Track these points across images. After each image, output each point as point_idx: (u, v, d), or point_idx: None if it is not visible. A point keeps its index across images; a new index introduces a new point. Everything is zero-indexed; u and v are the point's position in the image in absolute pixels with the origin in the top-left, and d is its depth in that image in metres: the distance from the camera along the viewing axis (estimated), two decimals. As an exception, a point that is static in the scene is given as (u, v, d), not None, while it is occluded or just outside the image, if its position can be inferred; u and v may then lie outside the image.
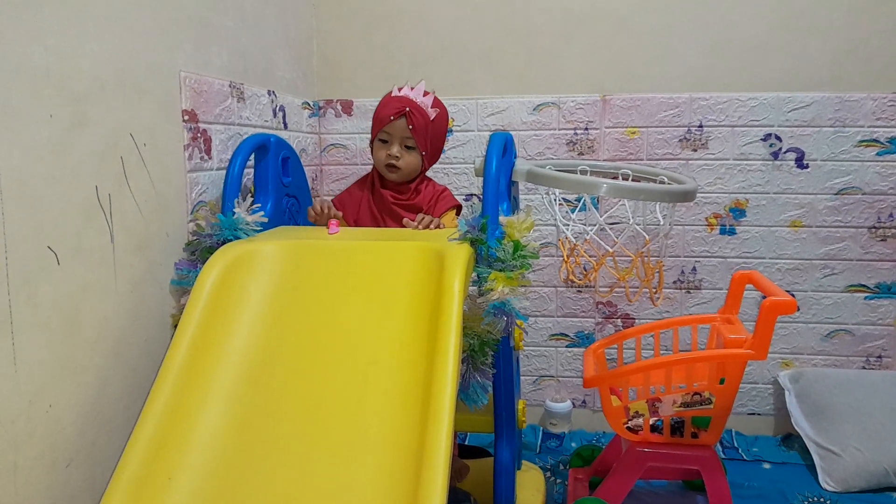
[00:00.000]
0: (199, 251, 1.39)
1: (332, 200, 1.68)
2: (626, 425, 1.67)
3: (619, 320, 2.23)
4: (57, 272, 1.09)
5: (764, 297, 1.50)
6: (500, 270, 1.28)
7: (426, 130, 1.62)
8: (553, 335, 2.27)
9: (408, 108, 1.59)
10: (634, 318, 2.22)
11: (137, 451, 1.07)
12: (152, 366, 1.30)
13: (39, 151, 1.05)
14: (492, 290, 1.28)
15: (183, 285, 1.38)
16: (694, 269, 2.19)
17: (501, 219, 1.34)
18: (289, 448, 1.13)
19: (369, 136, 2.19)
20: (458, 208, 1.70)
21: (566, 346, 2.27)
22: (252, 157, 1.54)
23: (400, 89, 1.64)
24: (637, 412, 1.67)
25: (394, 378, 1.17)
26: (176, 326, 1.27)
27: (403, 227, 1.53)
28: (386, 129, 1.61)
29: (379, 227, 1.66)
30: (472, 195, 2.23)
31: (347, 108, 2.25)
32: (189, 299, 1.24)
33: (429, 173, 1.73)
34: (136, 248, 1.29)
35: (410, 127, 1.59)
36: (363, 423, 1.13)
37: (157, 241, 1.35)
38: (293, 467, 1.11)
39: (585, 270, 1.58)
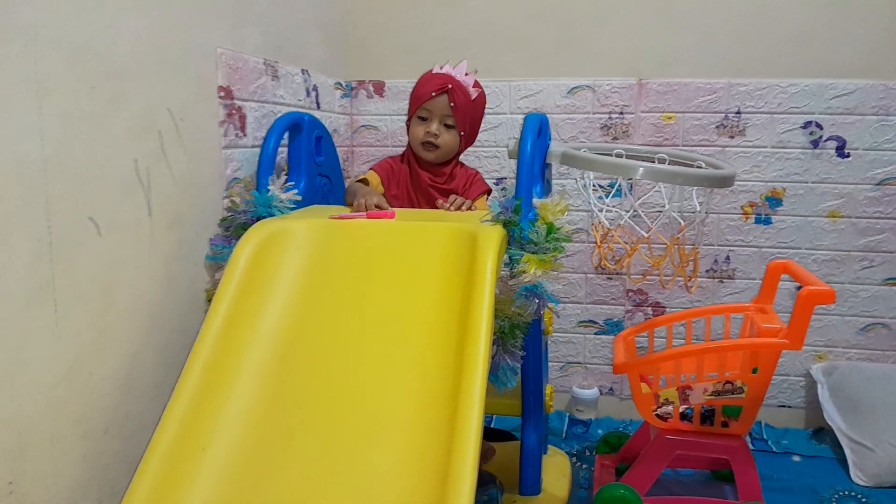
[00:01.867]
0: (234, 227, 1.40)
1: (374, 167, 1.66)
2: (655, 412, 1.65)
3: (649, 308, 2.21)
4: (96, 244, 1.11)
5: (799, 288, 1.47)
6: (533, 253, 1.27)
7: (467, 110, 1.60)
8: (582, 322, 2.26)
9: (450, 86, 1.57)
10: (665, 307, 2.19)
11: (172, 422, 1.09)
12: (185, 339, 1.32)
13: (81, 124, 1.06)
14: (524, 272, 1.27)
15: (217, 260, 1.39)
16: (728, 258, 2.15)
17: (535, 201, 1.32)
18: (317, 425, 1.13)
19: (401, 117, 2.20)
20: (489, 193, 1.69)
21: (595, 334, 2.26)
22: (286, 135, 1.55)
23: (441, 67, 1.62)
24: (667, 399, 1.65)
25: (424, 358, 1.17)
26: (209, 301, 1.29)
27: (436, 208, 1.53)
28: (426, 105, 1.59)
29: (413, 205, 1.65)
30: (503, 179, 2.22)
31: (379, 89, 2.25)
32: (224, 274, 1.25)
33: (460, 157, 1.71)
34: (172, 222, 1.30)
35: (452, 104, 1.57)
36: (393, 401, 1.14)
37: (192, 216, 1.37)
38: (322, 444, 1.11)
39: (618, 256, 1.56)
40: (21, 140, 0.96)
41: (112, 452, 1.17)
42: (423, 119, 1.61)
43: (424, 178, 1.64)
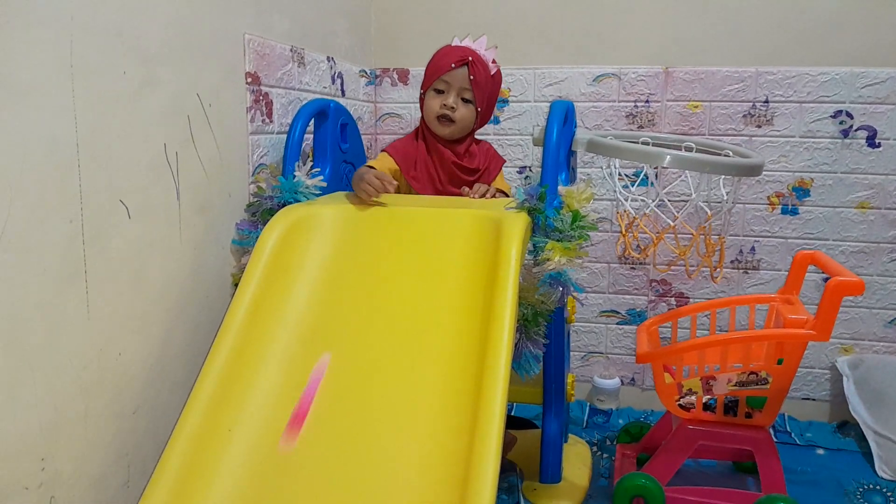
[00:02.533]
0: (260, 212, 1.41)
1: (386, 149, 1.60)
2: (677, 402, 1.65)
3: (672, 299, 2.19)
4: (127, 226, 1.12)
5: (826, 280, 1.45)
6: (558, 241, 1.27)
7: (486, 85, 1.55)
8: (604, 312, 2.25)
9: (471, 58, 1.53)
10: (689, 297, 2.18)
11: (199, 404, 1.11)
12: (212, 323, 1.34)
13: (113, 107, 1.08)
14: (548, 259, 1.27)
15: (244, 245, 1.40)
16: (753, 248, 2.13)
17: (560, 188, 1.32)
18: (342, 409, 1.15)
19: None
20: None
21: (617, 324, 2.25)
22: (312, 122, 1.56)
23: (461, 40, 1.58)
24: (690, 390, 1.64)
25: (448, 345, 1.17)
26: (236, 285, 1.31)
27: (460, 192, 1.52)
28: (444, 77, 1.54)
29: (435, 184, 1.61)
30: (526, 167, 2.21)
31: (404, 76, 2.25)
32: (250, 259, 1.27)
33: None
34: (200, 207, 1.32)
35: (471, 78, 1.52)
36: (416, 387, 1.14)
37: (220, 201, 1.38)
38: (345, 428, 1.12)
39: (643, 246, 1.55)
40: (56, 123, 0.97)
41: (141, 432, 1.20)
42: (440, 92, 1.56)
43: (447, 155, 1.58)
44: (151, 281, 1.20)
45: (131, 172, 1.13)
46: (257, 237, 1.30)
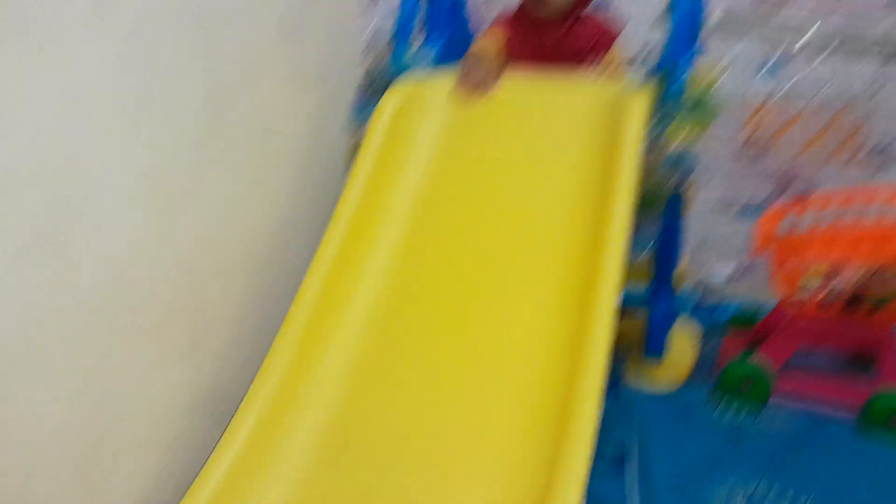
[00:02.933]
0: (374, 87, 1.41)
1: (497, 23, 1.53)
2: (796, 293, 1.59)
3: (794, 191, 2.06)
4: (249, 91, 1.17)
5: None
6: (683, 119, 1.21)
7: None
8: (721, 201, 2.15)
9: None
10: (813, 191, 2.03)
11: (318, 273, 1.16)
12: (329, 198, 1.38)
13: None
14: (671, 139, 1.22)
15: (357, 122, 1.42)
16: (890, 144, 1.93)
17: (689, 65, 1.24)
18: (448, 289, 1.18)
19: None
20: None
21: (734, 214, 2.15)
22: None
23: None
24: (810, 282, 1.58)
25: (563, 225, 1.17)
26: (349, 162, 1.34)
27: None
28: None
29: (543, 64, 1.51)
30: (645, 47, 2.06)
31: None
32: (364, 135, 1.29)
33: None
34: (315, 79, 1.34)
35: None
36: (529, 272, 1.15)
37: (335, 75, 1.39)
38: (452, 309, 1.15)
39: (771, 131, 1.45)
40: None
41: (267, 289, 1.29)
42: None
43: (547, 37, 1.49)
44: (275, 145, 1.25)
45: (252, 41, 1.15)
46: (370, 112, 1.31)
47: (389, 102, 1.31)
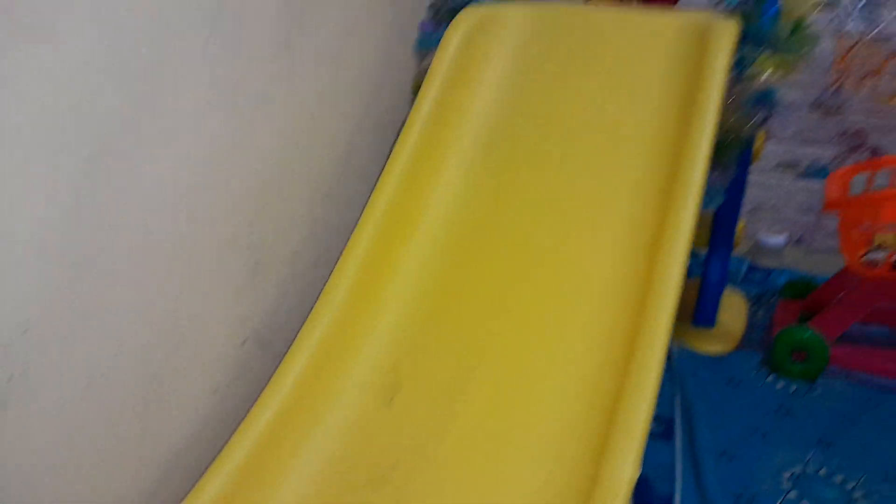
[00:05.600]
0: (443, 11, 1.36)
1: None
2: (863, 258, 1.52)
3: (865, 154, 1.97)
4: (325, 8, 1.12)
5: None
6: (772, 53, 1.14)
7: None
8: (781, 164, 2.07)
9: None
10: (886, 153, 1.95)
11: (385, 194, 1.14)
12: (395, 125, 1.34)
13: None
14: (757, 75, 1.15)
15: (425, 48, 1.37)
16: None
17: (781, -7, 1.17)
18: (518, 225, 1.14)
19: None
20: None
21: (794, 178, 2.07)
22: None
23: None
24: (881, 245, 1.50)
25: (637, 161, 1.12)
26: (417, 91, 1.29)
27: None
28: None
29: None
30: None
31: None
32: (432, 63, 1.24)
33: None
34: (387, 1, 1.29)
35: None
36: (595, 203, 1.11)
37: (406, -3, 1.35)
38: (513, 275, 1.10)
39: (859, 77, 1.37)
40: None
41: (333, 213, 1.26)
42: None
43: None
44: (347, 66, 1.22)
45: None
46: (439, 39, 1.26)
47: (459, 28, 1.26)
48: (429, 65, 1.25)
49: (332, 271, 1.06)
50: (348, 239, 1.10)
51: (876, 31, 1.25)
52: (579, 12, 1.28)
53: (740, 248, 2.14)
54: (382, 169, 1.16)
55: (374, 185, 1.15)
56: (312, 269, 1.23)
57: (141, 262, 0.87)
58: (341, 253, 1.09)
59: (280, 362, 0.96)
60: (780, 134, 2.03)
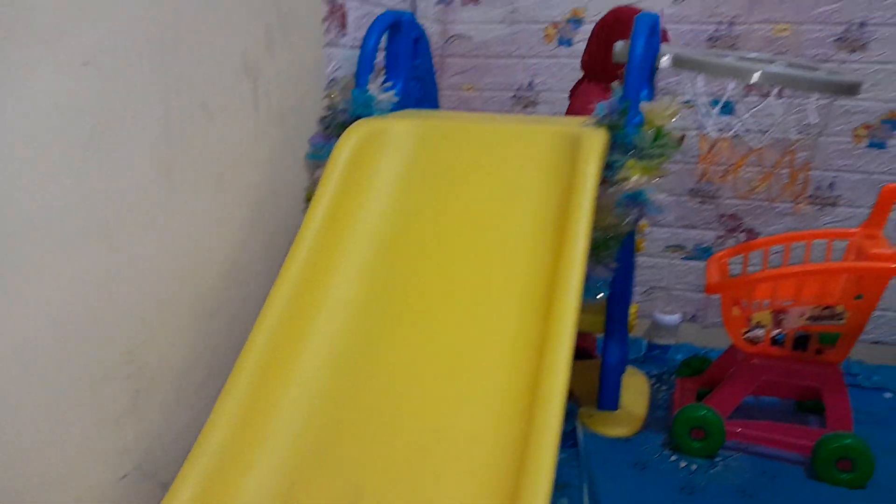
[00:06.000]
0: (333, 126, 1.41)
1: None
2: (745, 336, 1.61)
3: (742, 234, 2.13)
4: (208, 129, 1.14)
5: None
6: (638, 159, 1.24)
7: None
8: (669, 246, 2.20)
9: None
10: (759, 233, 2.11)
11: (274, 309, 1.12)
12: (287, 236, 1.36)
13: (197, 13, 1.08)
14: (626, 179, 1.24)
15: (317, 159, 1.41)
16: (832, 184, 2.03)
17: (642, 105, 1.27)
18: (415, 323, 1.16)
19: (495, 26, 2.14)
20: None
21: (682, 259, 2.20)
22: (384, 37, 1.53)
23: None
24: (759, 323, 1.61)
25: (519, 264, 1.16)
26: (308, 200, 1.32)
27: None
28: None
29: None
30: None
31: (475, -5, 2.18)
32: (324, 173, 1.27)
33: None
34: (276, 117, 1.32)
35: None
36: (487, 303, 1.14)
37: (295, 113, 1.38)
38: (418, 341, 1.13)
39: (722, 172, 1.50)
40: (141, 27, 0.98)
41: (219, 334, 1.24)
42: None
43: None
44: (231, 185, 1.22)
45: (212, 77, 1.13)
46: (330, 151, 1.29)
47: (349, 140, 1.30)
48: (320, 176, 1.28)
49: (220, 391, 1.03)
50: (237, 357, 1.08)
51: (732, 131, 1.37)
52: (462, 124, 1.35)
53: (638, 329, 2.24)
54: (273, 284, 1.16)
55: (265, 297, 1.14)
56: (200, 389, 1.20)
57: (2, 403, 0.83)
58: (230, 371, 1.06)
59: (165, 494, 0.92)
60: (664, 220, 2.17)
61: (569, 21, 2.10)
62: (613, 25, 1.66)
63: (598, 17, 2.07)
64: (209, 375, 1.22)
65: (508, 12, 2.15)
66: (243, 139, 1.24)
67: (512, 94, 2.21)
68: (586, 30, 2.09)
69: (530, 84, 2.18)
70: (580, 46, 2.10)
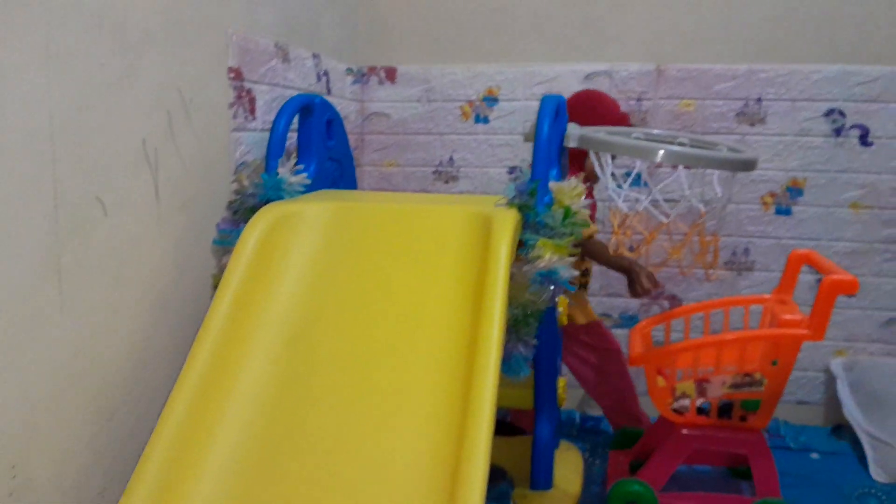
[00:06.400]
0: (242, 211, 1.37)
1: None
2: (671, 406, 1.61)
3: (665, 301, 2.16)
4: (104, 223, 1.08)
5: (820, 280, 1.43)
6: (549, 238, 1.24)
7: None
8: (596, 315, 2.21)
9: None
10: (681, 300, 2.15)
11: (179, 406, 1.06)
12: (193, 324, 1.29)
13: (90, 99, 1.04)
14: (539, 257, 1.24)
15: (224, 245, 1.36)
16: (746, 249, 2.11)
17: (551, 184, 1.29)
18: (328, 412, 1.11)
19: (413, 104, 2.18)
20: None
21: (609, 328, 2.21)
22: (296, 119, 1.52)
23: None
24: (684, 393, 1.61)
25: (437, 345, 1.14)
26: (216, 287, 1.26)
27: None
28: None
29: None
30: (514, 168, 2.18)
31: (391, 75, 2.21)
32: (231, 259, 1.23)
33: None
34: (181, 205, 1.28)
35: None
36: (405, 388, 1.11)
37: (201, 200, 1.34)
38: (332, 432, 1.09)
39: (635, 245, 1.52)
40: (31, 112, 0.93)
41: (119, 437, 1.15)
42: None
43: None
44: (131, 280, 1.16)
45: (109, 168, 1.08)
46: (238, 236, 1.25)
47: (257, 225, 1.26)
48: (227, 262, 1.23)
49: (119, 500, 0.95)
50: (137, 461, 1.00)
51: (642, 205, 1.40)
52: (375, 205, 1.33)
53: (570, 401, 2.22)
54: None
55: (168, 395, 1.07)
56: (99, 499, 1.10)
57: None
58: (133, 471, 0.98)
59: None
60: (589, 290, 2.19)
61: (484, 99, 2.16)
62: (575, 108, 1.71)
63: (513, 96, 2.15)
64: (110, 482, 1.13)
65: (424, 91, 2.19)
66: (144, 230, 1.18)
67: (433, 169, 2.23)
68: (502, 107, 2.15)
69: (450, 159, 2.21)
70: (497, 123, 2.16)
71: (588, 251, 1.71)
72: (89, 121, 1.04)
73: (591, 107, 1.70)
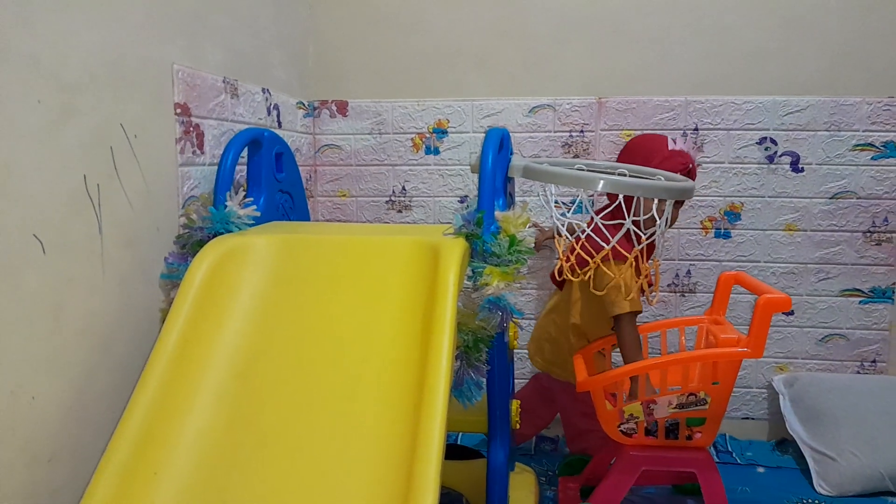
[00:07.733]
0: (190, 244, 1.37)
1: None
2: (619, 429, 1.65)
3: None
4: (42, 263, 1.07)
5: (756, 299, 1.49)
6: (496, 265, 1.27)
7: None
8: (547, 339, 2.25)
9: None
10: (631, 322, 2.20)
11: (122, 444, 1.05)
12: (140, 361, 1.27)
13: (26, 139, 1.03)
14: (487, 284, 1.26)
15: (172, 279, 1.35)
16: (689, 272, 2.18)
17: (497, 214, 1.32)
18: (278, 445, 1.11)
19: (364, 136, 2.21)
20: None
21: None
22: (245, 152, 1.53)
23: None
24: (631, 415, 1.65)
25: (387, 374, 1.15)
26: (164, 321, 1.25)
27: None
28: None
29: None
30: (465, 197, 2.22)
31: (342, 108, 2.24)
32: (178, 292, 1.22)
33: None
34: (126, 241, 1.27)
35: None
36: (355, 419, 1.11)
37: (148, 235, 1.33)
38: (282, 465, 1.08)
39: (580, 271, 1.56)
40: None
41: (60, 480, 1.12)
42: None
43: None
44: (72, 319, 1.14)
45: (46, 206, 1.07)
46: (186, 269, 1.25)
47: (205, 258, 1.26)
48: (174, 297, 1.22)
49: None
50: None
51: (584, 232, 1.45)
52: (324, 237, 1.34)
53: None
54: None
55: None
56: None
57: None
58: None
59: None
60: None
61: (434, 131, 2.20)
62: (630, 150, 1.84)
63: (462, 128, 2.20)
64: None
65: (375, 124, 2.22)
66: (86, 267, 1.17)
67: (386, 199, 2.25)
68: (452, 139, 2.20)
69: (403, 189, 2.24)
70: (448, 154, 2.21)
71: (620, 333, 1.70)
72: (26, 160, 1.03)
73: (656, 149, 1.75)
